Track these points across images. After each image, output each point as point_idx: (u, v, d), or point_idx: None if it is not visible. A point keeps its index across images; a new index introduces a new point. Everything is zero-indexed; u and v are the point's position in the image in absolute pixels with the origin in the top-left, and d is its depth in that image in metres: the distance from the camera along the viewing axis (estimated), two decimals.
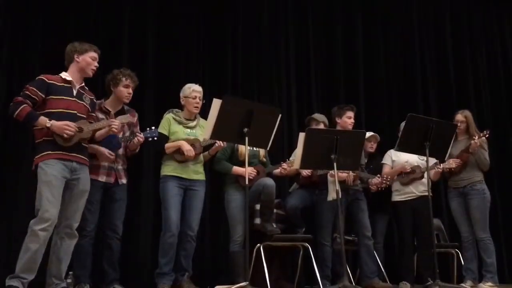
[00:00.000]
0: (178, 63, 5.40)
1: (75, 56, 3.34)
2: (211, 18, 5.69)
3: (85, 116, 3.32)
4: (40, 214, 3.04)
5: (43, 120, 3.11)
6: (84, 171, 3.29)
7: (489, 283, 4.39)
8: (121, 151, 3.80)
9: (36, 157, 3.17)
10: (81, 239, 3.57)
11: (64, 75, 3.32)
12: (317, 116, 4.64)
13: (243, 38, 5.81)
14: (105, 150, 3.63)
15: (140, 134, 3.69)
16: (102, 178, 3.69)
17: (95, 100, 3.53)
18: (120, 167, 3.80)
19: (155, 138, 3.74)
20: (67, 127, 3.11)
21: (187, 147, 3.90)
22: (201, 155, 4.06)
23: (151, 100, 5.14)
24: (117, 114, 3.83)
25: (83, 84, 3.41)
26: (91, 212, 3.63)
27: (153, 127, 3.75)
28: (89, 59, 3.36)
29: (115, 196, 3.76)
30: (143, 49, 5.29)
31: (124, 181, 3.82)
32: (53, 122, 3.11)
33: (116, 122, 3.40)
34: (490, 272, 4.46)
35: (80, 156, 3.25)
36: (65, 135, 3.11)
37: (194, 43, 5.56)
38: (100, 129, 3.39)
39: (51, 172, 3.09)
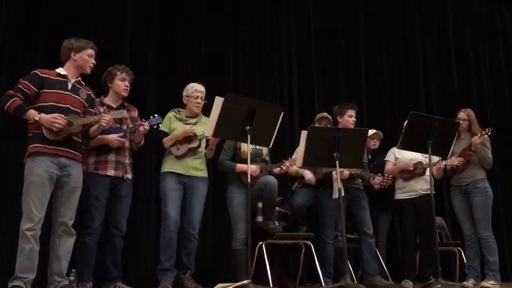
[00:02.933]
0: (179, 61, 5.40)
1: (72, 54, 3.32)
2: (212, 16, 5.69)
3: (79, 111, 3.28)
4: (25, 214, 3.04)
5: (32, 114, 3.09)
6: (75, 167, 3.24)
7: (492, 281, 4.38)
8: (126, 144, 3.79)
9: (27, 151, 3.15)
10: (86, 237, 3.59)
11: (59, 70, 3.31)
12: (327, 115, 4.63)
13: (245, 37, 5.80)
14: (114, 136, 3.63)
15: (145, 122, 3.70)
16: (111, 173, 3.67)
17: (93, 96, 3.49)
18: (127, 161, 3.80)
19: (160, 125, 3.80)
20: (55, 120, 3.08)
21: (183, 130, 3.90)
22: (202, 151, 4.06)
23: (152, 98, 5.14)
24: (118, 109, 3.82)
25: (80, 79, 3.38)
26: (97, 209, 3.63)
27: (156, 115, 3.77)
28: (86, 57, 3.35)
29: (121, 192, 3.75)
30: (144, 47, 5.29)
31: (129, 176, 3.82)
32: (42, 115, 3.08)
33: (106, 117, 3.35)
34: (493, 270, 4.46)
35: (70, 150, 3.20)
36: (54, 128, 3.08)
37: (195, 41, 5.55)
38: (90, 123, 3.35)
39: (37, 171, 3.07)
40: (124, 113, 3.62)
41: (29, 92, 3.16)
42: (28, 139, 3.18)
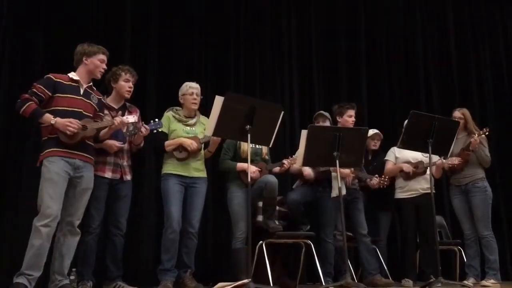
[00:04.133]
0: (180, 61, 5.40)
1: (84, 58, 3.39)
2: (213, 15, 5.69)
3: (91, 115, 3.35)
4: (42, 210, 3.07)
5: (48, 117, 3.15)
6: (88, 169, 3.31)
7: (492, 280, 4.39)
8: (126, 146, 3.81)
9: (41, 154, 3.21)
10: (86, 236, 3.61)
11: (71, 74, 3.37)
12: (323, 112, 4.63)
13: (246, 36, 5.81)
14: (113, 142, 3.65)
15: (146, 126, 3.72)
16: (108, 175, 3.70)
17: (103, 100, 3.57)
18: (125, 163, 3.82)
19: (160, 130, 3.83)
20: (70, 124, 3.14)
21: (188, 142, 3.91)
22: (202, 152, 4.07)
23: (152, 98, 5.15)
24: (119, 110, 3.85)
25: (91, 84, 3.46)
26: (97, 209, 3.65)
27: (156, 119, 3.80)
28: (97, 61, 3.41)
29: (120, 192, 3.77)
30: (145, 47, 5.29)
31: (129, 177, 3.84)
32: (57, 119, 3.15)
33: (118, 120, 3.43)
34: (493, 269, 4.46)
35: (83, 154, 3.27)
36: (68, 132, 3.14)
37: (196, 40, 5.56)
38: (104, 127, 3.42)
39: (53, 169, 3.12)
40: (135, 119, 3.66)
41: (43, 96, 3.22)
42: (43, 143, 3.24)
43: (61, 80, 3.30)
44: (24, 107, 3.15)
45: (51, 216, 3.05)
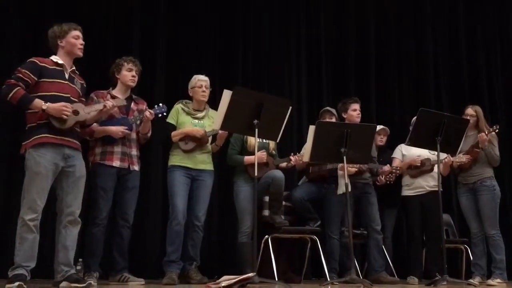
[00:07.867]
0: (188, 54, 5.40)
1: (58, 41, 3.25)
2: (222, 9, 5.68)
3: (77, 100, 3.25)
4: (29, 204, 3.01)
5: (39, 103, 3.03)
6: (78, 157, 3.22)
7: (498, 280, 4.36)
8: (133, 135, 3.82)
9: (27, 141, 3.08)
10: (94, 227, 3.63)
11: (55, 58, 3.24)
12: (330, 108, 4.63)
13: (254, 30, 5.80)
14: (118, 127, 3.66)
15: (150, 111, 3.74)
16: (116, 164, 3.70)
17: (84, 85, 3.43)
18: (133, 153, 3.82)
19: (164, 114, 3.86)
20: (65, 108, 3.05)
21: (195, 130, 3.93)
22: (209, 145, 4.08)
23: (161, 91, 5.16)
24: (126, 101, 3.84)
25: (74, 68, 3.33)
26: (104, 199, 3.66)
27: (160, 104, 3.83)
28: (72, 39, 3.25)
29: (128, 184, 3.79)
30: (154, 40, 5.30)
31: (136, 168, 3.84)
32: (49, 104, 3.03)
33: (108, 103, 3.35)
34: (499, 269, 4.43)
35: (73, 140, 3.18)
36: (64, 117, 3.05)
37: (205, 34, 5.55)
38: (95, 111, 3.33)
39: (42, 162, 3.03)
40: (124, 102, 3.64)
41: (29, 81, 3.09)
42: (30, 130, 3.11)
43: (45, 65, 3.15)
44: (12, 93, 3.01)
45: (38, 211, 3.02)
